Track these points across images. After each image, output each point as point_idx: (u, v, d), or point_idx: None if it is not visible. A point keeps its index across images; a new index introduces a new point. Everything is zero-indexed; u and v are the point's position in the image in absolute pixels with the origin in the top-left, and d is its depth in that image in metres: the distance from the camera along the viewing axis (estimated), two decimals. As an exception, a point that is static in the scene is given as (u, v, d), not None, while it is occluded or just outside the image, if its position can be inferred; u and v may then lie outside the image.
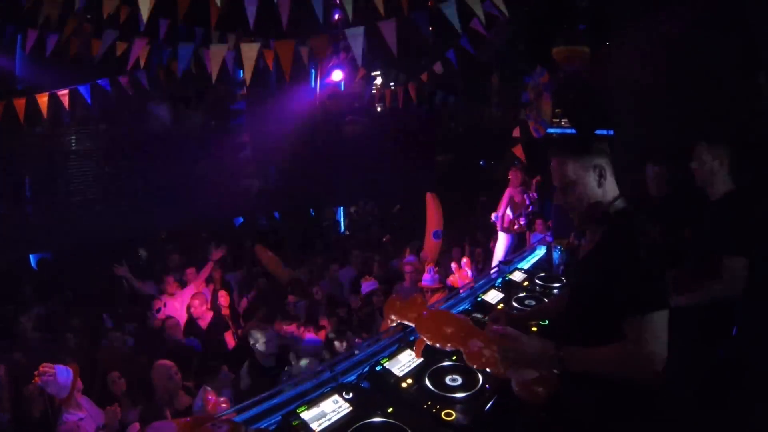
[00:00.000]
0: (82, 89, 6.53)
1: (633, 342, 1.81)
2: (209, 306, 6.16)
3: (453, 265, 7.49)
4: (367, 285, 6.56)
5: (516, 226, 7.53)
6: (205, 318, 6.03)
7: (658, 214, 4.06)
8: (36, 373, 3.80)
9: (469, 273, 7.14)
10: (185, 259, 8.22)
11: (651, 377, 1.80)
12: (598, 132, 8.73)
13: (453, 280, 7.17)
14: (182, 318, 5.98)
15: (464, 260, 7.40)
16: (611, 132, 7.51)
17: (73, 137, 8.64)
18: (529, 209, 7.55)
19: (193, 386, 4.48)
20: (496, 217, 7.69)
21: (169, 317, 5.70)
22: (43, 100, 6.52)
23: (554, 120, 9.62)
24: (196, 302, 6.00)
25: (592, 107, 7.88)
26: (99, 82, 6.63)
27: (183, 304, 6.17)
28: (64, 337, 5.41)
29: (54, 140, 8.36)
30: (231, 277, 7.90)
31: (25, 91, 6.71)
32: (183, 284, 6.67)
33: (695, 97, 4.36)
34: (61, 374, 3.80)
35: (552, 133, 9.62)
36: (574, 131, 9.70)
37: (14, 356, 4.98)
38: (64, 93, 6.48)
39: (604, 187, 1.97)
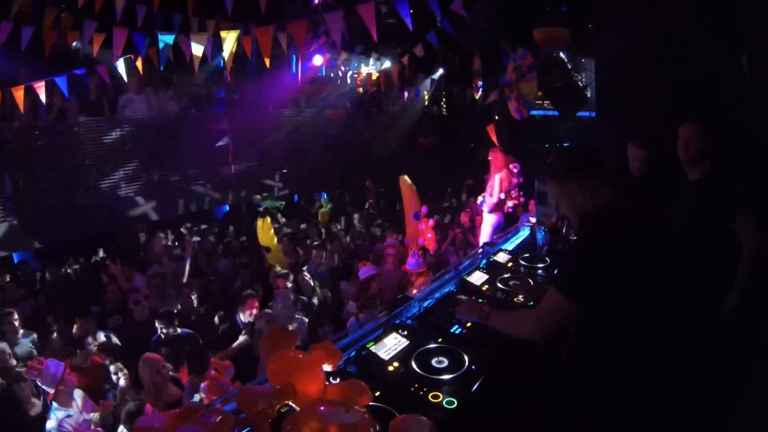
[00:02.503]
0: (59, 81, 6.42)
1: (535, 307, 2.30)
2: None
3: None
4: (365, 270, 6.55)
5: (513, 202, 7.54)
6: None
7: (640, 194, 4.11)
8: (29, 362, 3.80)
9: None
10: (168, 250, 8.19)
11: (525, 338, 2.27)
12: (579, 114, 8.80)
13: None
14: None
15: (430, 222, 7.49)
16: (593, 114, 7.54)
17: (51, 130, 8.49)
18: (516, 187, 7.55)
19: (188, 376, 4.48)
20: (482, 201, 7.72)
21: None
22: (18, 93, 6.41)
23: (537, 102, 9.65)
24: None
25: (573, 89, 7.92)
26: (76, 72, 6.52)
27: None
28: (49, 336, 5.35)
29: (32, 134, 8.20)
30: (221, 266, 7.90)
31: (1, 85, 6.58)
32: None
33: (678, 79, 4.40)
34: (50, 368, 3.79)
35: (535, 115, 9.66)
36: (557, 113, 9.75)
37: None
38: (40, 85, 6.37)
39: (585, 199, 2.22)
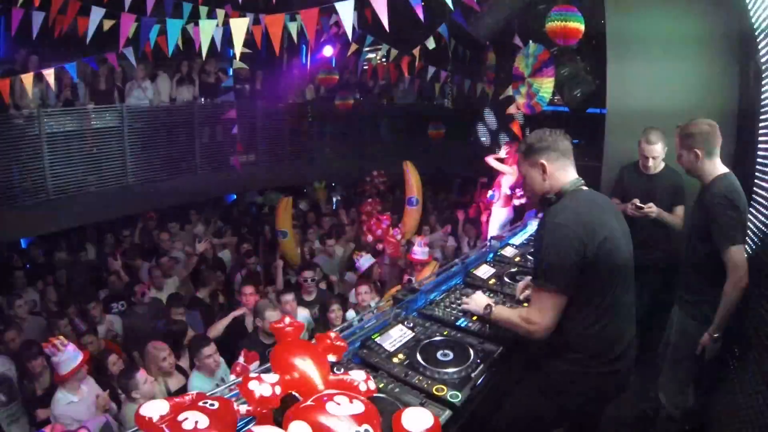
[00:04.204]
0: (68, 68, 6.41)
1: (529, 306, 2.29)
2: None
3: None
4: (364, 260, 6.53)
5: (518, 201, 7.51)
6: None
7: (651, 192, 4.06)
8: (50, 339, 3.80)
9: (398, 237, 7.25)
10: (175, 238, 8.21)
11: (530, 337, 2.23)
12: (589, 110, 8.70)
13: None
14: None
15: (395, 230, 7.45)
16: (604, 110, 7.46)
17: (60, 118, 8.49)
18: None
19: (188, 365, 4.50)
20: (492, 195, 7.68)
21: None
22: (28, 80, 6.40)
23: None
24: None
25: (584, 85, 7.81)
26: (85, 60, 6.51)
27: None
28: (57, 323, 5.38)
29: (40, 121, 8.21)
30: (224, 255, 7.90)
31: (10, 72, 6.59)
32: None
33: (691, 76, 4.34)
34: (69, 353, 3.79)
35: (544, 111, 9.57)
36: (566, 109, 9.63)
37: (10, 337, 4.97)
38: (49, 73, 6.36)
39: (548, 180, 2.30)
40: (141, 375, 3.78)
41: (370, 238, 7.64)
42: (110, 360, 4.50)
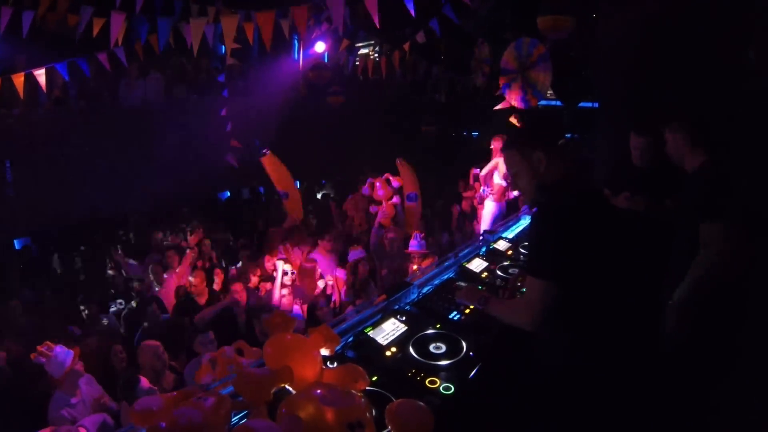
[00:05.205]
0: (59, 67, 6.39)
1: (522, 297, 2.31)
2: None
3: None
4: (354, 254, 6.54)
5: (509, 194, 7.52)
6: (204, 295, 6.02)
7: (642, 184, 4.08)
8: (38, 347, 3.79)
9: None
10: (168, 236, 8.20)
11: (523, 328, 2.19)
12: (582, 104, 8.74)
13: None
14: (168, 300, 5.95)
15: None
16: (596, 104, 7.49)
17: (52, 117, 8.44)
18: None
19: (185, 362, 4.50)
20: (485, 189, 7.69)
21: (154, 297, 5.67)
22: (19, 80, 6.37)
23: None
24: (197, 280, 6.01)
25: (577, 78, 7.84)
26: (77, 60, 6.49)
27: (169, 288, 6.14)
28: (52, 324, 5.37)
29: (32, 121, 8.16)
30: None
31: (1, 73, 6.55)
32: (165, 267, 6.60)
33: (683, 69, 4.35)
34: (59, 355, 3.78)
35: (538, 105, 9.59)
36: (559, 103, 9.66)
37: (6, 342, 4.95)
38: (40, 72, 6.33)
39: (547, 170, 2.22)
40: (144, 384, 3.78)
41: (367, 190, 7.61)
42: (113, 352, 4.50)
